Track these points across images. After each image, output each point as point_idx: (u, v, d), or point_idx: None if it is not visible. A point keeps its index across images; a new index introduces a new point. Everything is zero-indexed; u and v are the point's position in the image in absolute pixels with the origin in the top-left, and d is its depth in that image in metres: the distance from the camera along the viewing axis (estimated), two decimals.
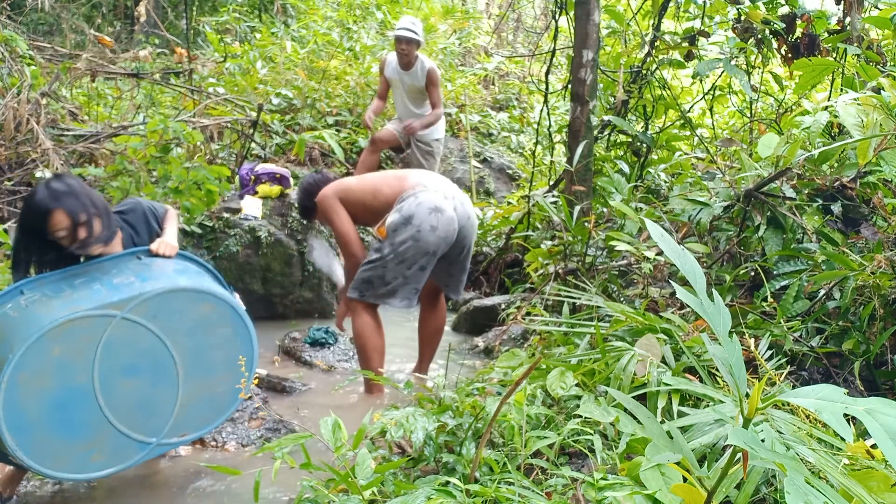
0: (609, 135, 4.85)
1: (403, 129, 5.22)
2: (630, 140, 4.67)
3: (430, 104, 5.26)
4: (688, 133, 4.94)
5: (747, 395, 0.97)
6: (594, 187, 4.18)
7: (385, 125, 5.65)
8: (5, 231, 3.34)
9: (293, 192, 4.87)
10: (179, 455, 2.63)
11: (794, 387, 2.02)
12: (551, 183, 5.03)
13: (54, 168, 3.87)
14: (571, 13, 4.26)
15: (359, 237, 3.32)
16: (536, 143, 5.33)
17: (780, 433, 1.24)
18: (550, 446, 1.82)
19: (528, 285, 4.29)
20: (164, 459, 2.60)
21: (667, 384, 1.86)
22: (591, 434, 1.80)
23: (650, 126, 4.74)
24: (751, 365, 2.12)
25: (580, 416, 1.87)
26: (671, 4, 4.65)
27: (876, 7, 3.90)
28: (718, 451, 1.56)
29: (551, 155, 6.36)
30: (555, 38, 4.77)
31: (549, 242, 3.94)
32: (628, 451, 1.70)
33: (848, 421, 0.83)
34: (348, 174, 5.89)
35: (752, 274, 2.81)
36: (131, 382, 2.09)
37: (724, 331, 1.00)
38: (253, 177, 4.69)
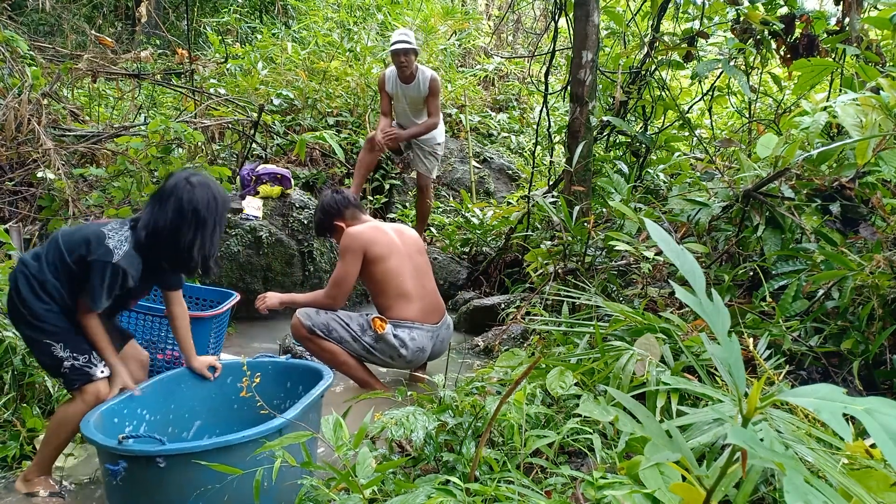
0: (608, 135, 4.86)
1: (384, 138, 5.14)
2: (629, 140, 4.68)
3: (427, 113, 5.22)
4: (687, 133, 4.95)
5: (746, 395, 0.98)
6: (593, 187, 4.19)
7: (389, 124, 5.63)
8: (6, 231, 3.34)
9: (294, 192, 4.88)
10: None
11: (792, 386, 2.03)
12: (551, 183, 5.04)
13: (55, 168, 3.87)
14: (571, 14, 4.26)
15: (349, 292, 3.41)
16: (536, 144, 5.34)
17: (779, 432, 1.24)
18: (550, 445, 1.83)
19: (527, 285, 4.30)
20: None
21: (666, 383, 1.87)
22: (590, 433, 1.81)
23: (649, 127, 4.74)
24: (749, 364, 2.13)
25: (579, 416, 1.88)
26: (670, 5, 4.66)
27: (875, 7, 3.91)
28: (717, 450, 1.57)
29: (551, 155, 6.37)
30: (554, 39, 4.78)
31: (549, 242, 3.95)
32: (627, 450, 1.70)
33: (847, 420, 0.84)
34: (349, 175, 5.90)
35: (751, 274, 2.82)
36: None
37: (723, 330, 1.00)
38: (254, 177, 4.69)
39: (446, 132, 6.41)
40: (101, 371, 2.31)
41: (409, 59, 4.92)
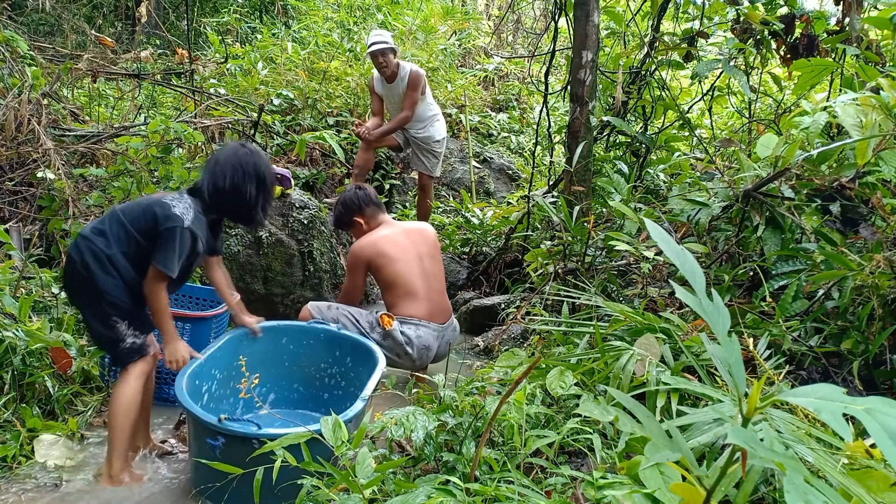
0: (608, 135, 4.86)
1: (357, 133, 5.15)
2: (629, 140, 4.67)
3: (422, 107, 5.17)
4: (687, 133, 4.94)
5: (746, 395, 0.98)
6: (593, 187, 4.19)
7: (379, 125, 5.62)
8: (6, 231, 3.34)
9: (294, 192, 4.87)
10: (177, 454, 2.64)
11: (792, 386, 2.03)
12: (551, 183, 5.04)
13: (55, 168, 3.87)
14: (571, 14, 4.26)
15: (358, 299, 3.51)
16: (536, 144, 5.34)
17: (779, 432, 1.24)
18: (550, 445, 1.83)
19: (527, 285, 4.29)
20: (164, 458, 2.60)
21: (666, 383, 1.87)
22: (590, 433, 1.81)
23: (649, 127, 4.74)
24: (749, 364, 2.13)
25: (579, 416, 1.88)
26: (670, 5, 4.65)
27: (875, 7, 3.91)
28: (717, 450, 1.57)
29: (551, 155, 6.37)
30: (554, 39, 4.77)
31: (549, 242, 3.94)
32: (627, 450, 1.70)
33: (847, 420, 0.84)
34: (348, 175, 5.90)
35: (751, 274, 2.82)
36: None
37: (723, 330, 1.00)
38: None
39: (446, 132, 6.40)
40: (151, 350, 2.41)
41: (387, 58, 4.91)
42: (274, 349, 2.97)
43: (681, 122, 4.70)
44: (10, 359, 2.61)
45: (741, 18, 3.99)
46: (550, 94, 5.09)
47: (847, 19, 3.61)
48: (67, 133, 4.51)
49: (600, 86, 4.60)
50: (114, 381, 3.05)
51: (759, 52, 4.04)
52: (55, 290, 3.26)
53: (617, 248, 3.02)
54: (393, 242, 3.47)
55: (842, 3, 3.63)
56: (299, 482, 1.67)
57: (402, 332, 3.30)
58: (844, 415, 0.84)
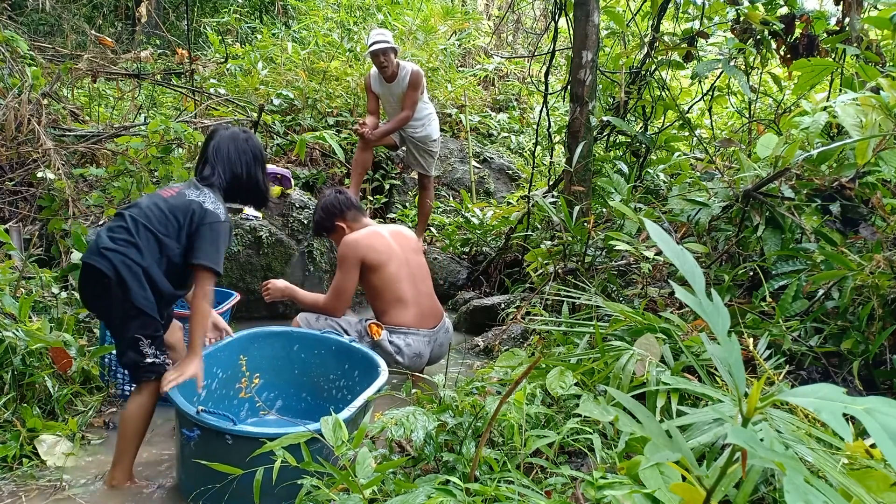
0: (608, 135, 4.86)
1: (361, 135, 5.11)
2: (629, 140, 4.68)
3: (419, 106, 5.16)
4: (687, 133, 4.95)
5: (746, 395, 0.98)
6: (593, 187, 4.19)
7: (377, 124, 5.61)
8: (6, 231, 3.34)
9: (294, 192, 4.88)
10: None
11: (792, 386, 2.03)
12: (551, 183, 5.04)
13: (55, 168, 3.87)
14: (571, 14, 4.26)
15: (350, 301, 3.44)
16: (536, 144, 5.34)
17: (779, 432, 1.24)
18: (550, 445, 1.82)
19: (527, 285, 4.30)
20: (165, 458, 2.60)
21: (666, 383, 1.87)
22: (590, 433, 1.81)
23: (649, 127, 4.74)
24: (749, 364, 2.13)
25: (579, 416, 1.88)
26: (670, 5, 4.65)
27: (875, 7, 3.91)
28: (717, 450, 1.57)
29: (551, 155, 6.37)
30: (554, 39, 4.78)
31: (549, 242, 3.95)
32: (627, 450, 1.70)
33: (847, 420, 0.84)
34: (348, 175, 5.90)
35: (751, 274, 2.82)
36: None
37: (723, 330, 1.00)
38: None
39: (444, 131, 6.40)
40: (169, 366, 2.38)
41: (388, 58, 4.90)
42: (285, 355, 2.92)
43: (681, 122, 4.70)
44: (10, 359, 2.61)
45: (741, 18, 3.99)
46: (550, 94, 5.09)
47: (847, 19, 3.61)
48: (67, 133, 4.51)
49: (600, 86, 4.60)
50: (114, 380, 3.06)
51: (759, 52, 4.04)
52: (55, 289, 3.26)
53: (617, 248, 3.02)
54: (381, 241, 3.43)
55: (842, 3, 3.63)
56: (296, 482, 1.67)
57: (390, 342, 3.27)
58: (844, 415, 0.84)
